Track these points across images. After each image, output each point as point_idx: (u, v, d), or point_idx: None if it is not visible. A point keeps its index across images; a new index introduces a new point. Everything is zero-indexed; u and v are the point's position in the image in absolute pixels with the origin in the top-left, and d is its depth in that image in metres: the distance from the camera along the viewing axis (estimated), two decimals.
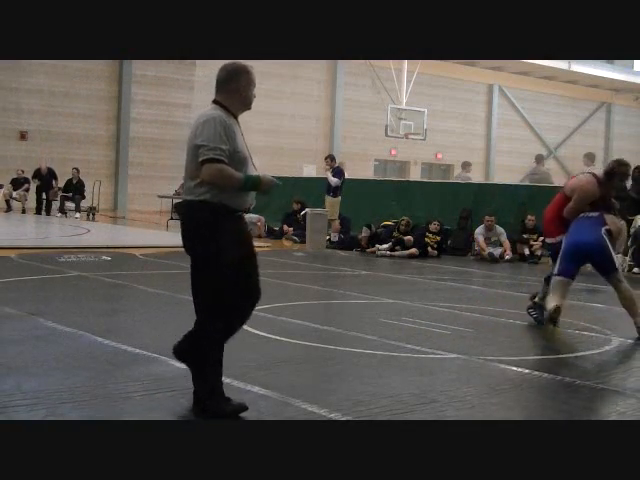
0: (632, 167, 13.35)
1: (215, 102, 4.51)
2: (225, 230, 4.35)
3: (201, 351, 4.47)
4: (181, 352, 4.59)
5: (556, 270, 7.60)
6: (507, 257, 15.62)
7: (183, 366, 5.37)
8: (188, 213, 4.44)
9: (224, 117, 4.39)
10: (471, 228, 16.91)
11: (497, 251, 15.80)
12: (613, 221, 7.85)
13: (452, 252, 16.46)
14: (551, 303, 7.24)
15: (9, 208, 24.37)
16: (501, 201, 17.52)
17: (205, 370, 4.48)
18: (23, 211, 24.05)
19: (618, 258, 14.39)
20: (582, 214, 7.83)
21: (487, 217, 16.30)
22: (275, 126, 32.32)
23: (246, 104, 4.57)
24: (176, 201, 22.72)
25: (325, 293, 10.05)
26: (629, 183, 15.12)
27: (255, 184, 4.45)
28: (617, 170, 7.97)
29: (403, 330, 7.49)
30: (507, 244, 15.96)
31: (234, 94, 4.50)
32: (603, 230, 7.67)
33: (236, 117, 4.53)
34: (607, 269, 7.71)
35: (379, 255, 15.64)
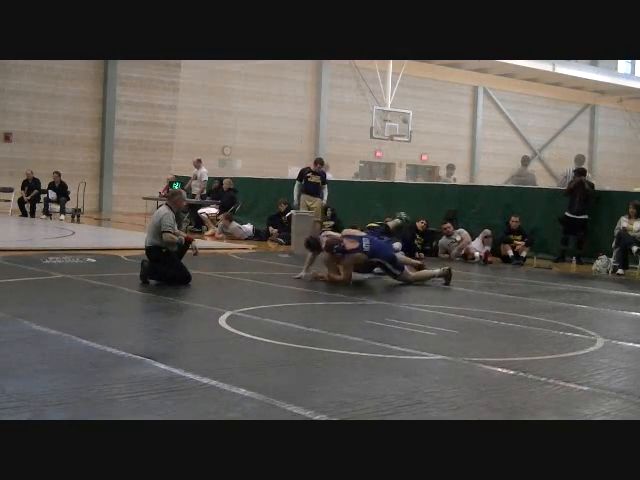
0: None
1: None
2: None
3: None
4: None
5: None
6: (476, 254, 15.67)
7: (168, 368, 5.35)
8: None
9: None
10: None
11: (479, 248, 15.82)
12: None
13: (437, 254, 16.43)
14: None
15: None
16: (486, 202, 17.55)
17: None
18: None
19: (602, 259, 14.49)
20: None
21: (443, 225, 16.35)
22: (260, 128, 32.23)
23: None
24: (161, 203, 22.70)
25: (310, 295, 10.04)
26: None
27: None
28: None
29: (388, 332, 7.49)
30: (466, 235, 16.07)
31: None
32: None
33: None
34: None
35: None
